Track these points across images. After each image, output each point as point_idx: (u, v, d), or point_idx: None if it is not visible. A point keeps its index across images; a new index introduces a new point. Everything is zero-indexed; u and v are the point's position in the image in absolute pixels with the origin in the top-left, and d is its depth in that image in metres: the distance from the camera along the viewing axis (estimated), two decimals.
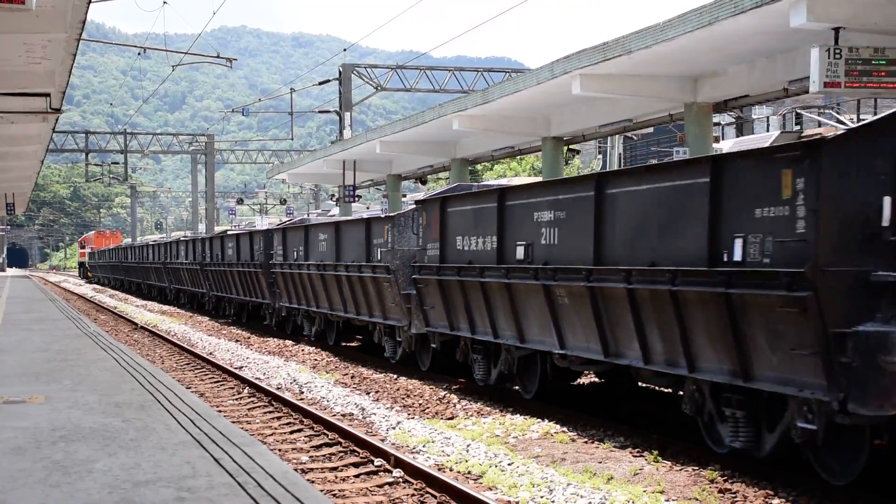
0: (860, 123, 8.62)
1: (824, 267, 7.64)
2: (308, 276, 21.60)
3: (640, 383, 12.99)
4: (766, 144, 16.58)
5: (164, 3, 32.56)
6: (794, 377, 8.07)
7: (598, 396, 14.02)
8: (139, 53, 36.55)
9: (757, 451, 9.04)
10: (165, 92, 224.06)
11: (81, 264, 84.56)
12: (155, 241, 54.18)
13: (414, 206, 16.46)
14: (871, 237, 7.69)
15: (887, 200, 7.67)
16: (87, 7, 13.23)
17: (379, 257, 17.41)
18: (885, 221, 7.68)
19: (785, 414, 8.51)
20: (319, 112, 53.93)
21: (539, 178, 17.82)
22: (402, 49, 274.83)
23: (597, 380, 14.65)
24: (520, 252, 12.36)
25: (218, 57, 33.59)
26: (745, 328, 8.53)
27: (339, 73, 43.80)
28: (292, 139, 56.19)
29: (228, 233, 32.82)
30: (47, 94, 19.14)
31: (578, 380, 15.01)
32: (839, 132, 8.13)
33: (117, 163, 66.07)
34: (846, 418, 7.65)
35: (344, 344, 22.01)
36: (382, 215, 18.71)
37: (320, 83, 47.55)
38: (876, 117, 8.22)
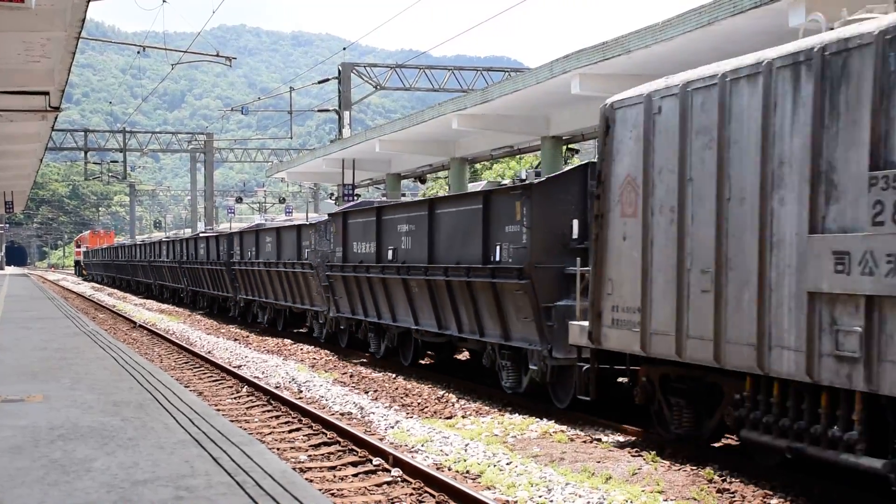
0: (556, 173, 13.08)
1: (536, 264, 12.39)
2: (258, 273, 26.44)
3: (460, 349, 17.90)
4: None
5: (164, 1, 32.52)
6: (527, 336, 12.77)
7: (472, 368, 17.53)
8: (138, 52, 36.53)
9: (518, 388, 13.47)
10: (165, 90, 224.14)
11: (77, 262, 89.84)
12: (142, 240, 60.18)
13: (328, 217, 21.19)
14: (565, 245, 12.32)
15: (575, 222, 12.34)
16: (87, 5, 13.23)
17: (306, 256, 22.14)
18: (574, 235, 12.30)
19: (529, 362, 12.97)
20: (319, 111, 53.94)
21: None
22: (402, 48, 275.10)
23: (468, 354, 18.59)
24: (390, 254, 16.97)
25: (217, 55, 33.57)
26: (505, 306, 13.16)
27: (339, 71, 43.81)
28: (291, 138, 56.18)
29: (200, 235, 37.65)
30: (46, 93, 19.13)
31: (469, 356, 18.63)
32: (544, 179, 12.71)
33: (116, 161, 66.11)
34: (553, 361, 12.20)
35: (294, 331, 25.65)
36: (311, 223, 22.75)
37: (319, 82, 47.56)
38: (564, 170, 13.67)
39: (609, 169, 10.53)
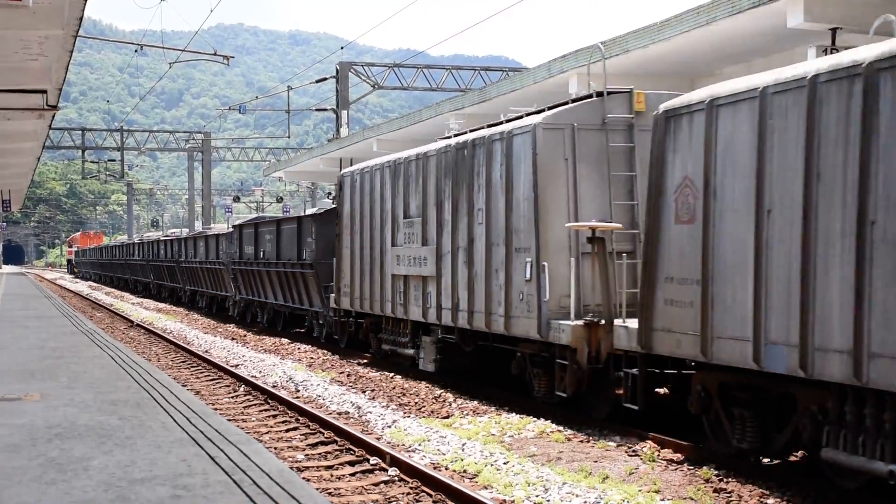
0: (329, 208, 22.82)
1: (318, 261, 21.58)
2: (195, 269, 36.96)
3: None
4: None
5: (162, 0, 32.49)
6: (316, 307, 22.24)
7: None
8: (136, 51, 36.51)
9: (342, 343, 20.88)
10: (162, 89, 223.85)
11: (69, 261, 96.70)
12: (127, 240, 68.31)
13: (231, 228, 30.74)
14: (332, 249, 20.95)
15: (310, 241, 22.58)
16: (84, 4, 13.20)
17: (220, 257, 32.84)
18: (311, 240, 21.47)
19: (322, 321, 22.64)
20: (316, 110, 53.93)
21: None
22: (400, 47, 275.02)
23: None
24: (262, 254, 26.43)
25: (215, 54, 33.54)
26: (309, 285, 22.16)
27: (336, 71, 43.78)
28: (289, 137, 56.12)
29: (159, 239, 46.23)
30: (44, 91, 19.10)
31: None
32: (322, 212, 22.85)
33: (114, 160, 66.01)
34: (329, 318, 21.29)
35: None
36: (222, 232, 33.01)
37: (317, 81, 47.55)
38: (332, 206, 22.60)
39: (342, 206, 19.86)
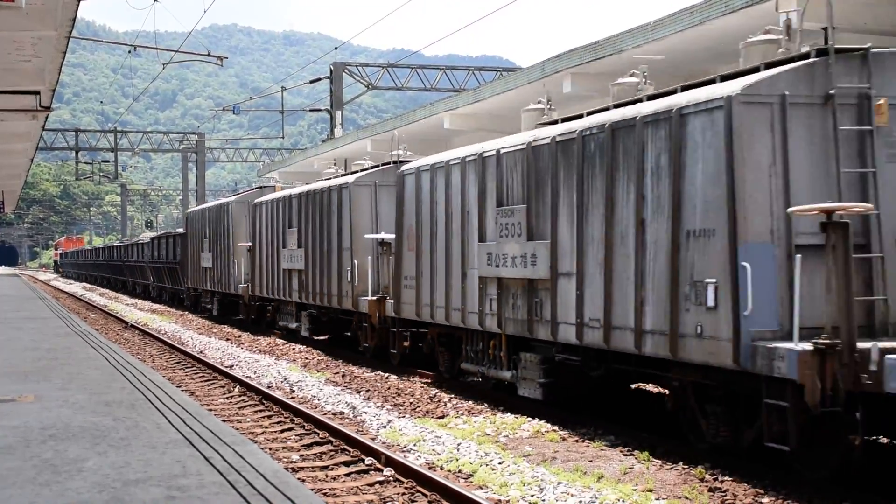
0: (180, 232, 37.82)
1: (181, 261, 37.87)
2: (137, 267, 50.84)
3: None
4: None
5: (155, 1, 32.44)
6: (183, 287, 38.49)
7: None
8: (129, 51, 36.45)
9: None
10: (156, 90, 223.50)
11: (56, 262, 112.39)
12: (102, 245, 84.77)
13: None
14: (190, 254, 35.83)
15: (178, 250, 39.37)
16: (77, 5, 13.19)
17: (145, 259, 48.66)
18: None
19: (184, 296, 38.75)
20: (310, 110, 53.87)
21: None
22: (394, 47, 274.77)
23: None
24: (161, 257, 41.26)
25: (209, 55, 33.51)
26: (178, 276, 37.84)
27: (331, 71, 43.75)
28: (283, 137, 56.10)
29: (114, 245, 61.86)
30: (37, 92, 19.07)
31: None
32: (185, 232, 37.81)
33: (107, 161, 65.88)
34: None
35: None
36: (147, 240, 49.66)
37: (311, 81, 47.49)
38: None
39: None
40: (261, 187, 30.81)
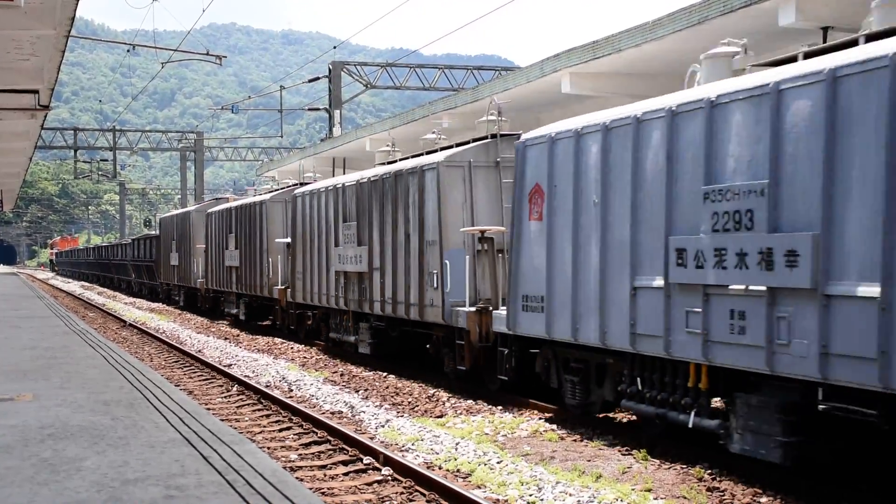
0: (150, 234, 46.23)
1: (157, 259, 44.54)
2: (115, 264, 56.79)
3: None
4: None
5: (154, 0, 32.43)
6: (157, 282, 45.57)
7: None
8: (128, 50, 36.45)
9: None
10: (154, 89, 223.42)
11: (51, 261, 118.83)
12: (113, 242, 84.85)
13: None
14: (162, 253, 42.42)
15: (154, 250, 45.03)
16: (76, 4, 13.18)
17: (128, 257, 54.97)
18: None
19: (160, 289, 45.41)
20: (309, 110, 53.84)
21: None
22: (392, 47, 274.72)
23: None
24: (141, 255, 46.05)
25: (207, 54, 33.50)
26: (155, 272, 44.53)
27: (329, 70, 43.74)
28: (282, 136, 56.09)
29: (96, 246, 68.20)
30: (36, 91, 19.05)
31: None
32: (158, 234, 43.58)
33: (106, 160, 65.84)
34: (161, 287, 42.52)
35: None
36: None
37: (310, 81, 47.49)
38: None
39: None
40: (216, 199, 37.19)
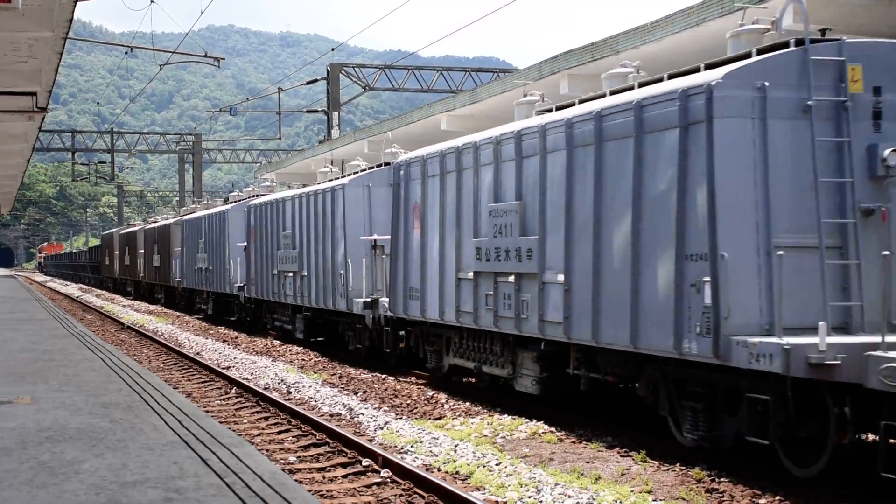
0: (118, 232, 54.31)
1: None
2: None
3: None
4: None
5: (152, 2, 32.42)
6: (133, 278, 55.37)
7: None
8: (126, 52, 36.42)
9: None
10: (152, 91, 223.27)
11: (39, 263, 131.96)
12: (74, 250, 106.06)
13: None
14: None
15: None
16: (74, 6, 13.17)
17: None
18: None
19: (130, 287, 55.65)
20: (307, 112, 53.86)
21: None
22: (390, 48, 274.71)
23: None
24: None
25: (205, 56, 33.49)
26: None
27: (327, 72, 43.75)
28: (280, 139, 56.05)
29: (81, 250, 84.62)
30: (33, 93, 19.04)
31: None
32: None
33: (104, 162, 65.82)
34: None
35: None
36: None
37: (308, 83, 47.49)
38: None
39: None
40: (144, 220, 49.43)
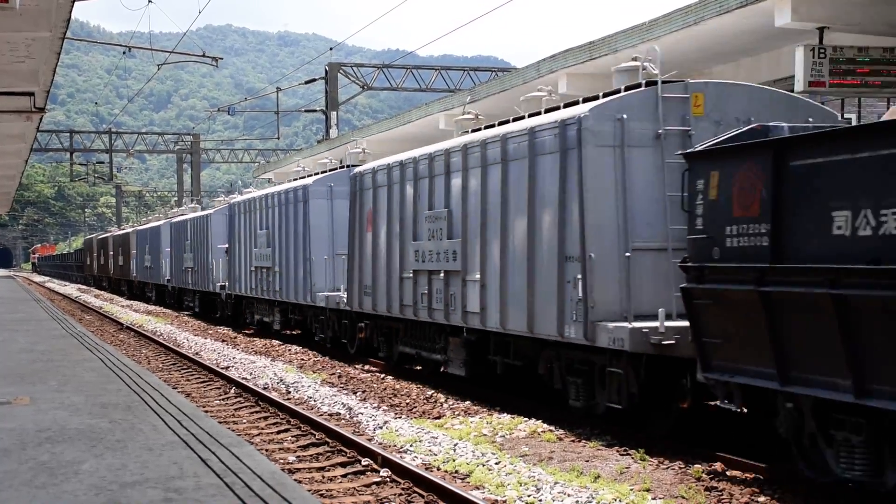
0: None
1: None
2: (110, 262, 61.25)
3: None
4: None
5: (149, 1, 32.40)
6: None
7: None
8: (124, 52, 36.43)
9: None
10: (150, 91, 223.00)
11: (34, 264, 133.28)
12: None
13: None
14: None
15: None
16: (72, 6, 13.15)
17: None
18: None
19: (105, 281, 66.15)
20: (306, 111, 53.87)
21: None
22: (389, 48, 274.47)
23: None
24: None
25: (203, 56, 33.48)
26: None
27: (326, 72, 43.74)
28: (278, 138, 56.02)
29: (68, 252, 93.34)
30: (31, 93, 19.01)
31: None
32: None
33: (102, 162, 65.81)
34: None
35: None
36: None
37: (306, 82, 47.50)
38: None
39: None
40: (117, 227, 58.09)
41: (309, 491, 8.33)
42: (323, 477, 9.32)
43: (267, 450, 10.55)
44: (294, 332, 24.41)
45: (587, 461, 9.81)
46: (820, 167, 7.46)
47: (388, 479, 9.08)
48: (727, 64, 20.31)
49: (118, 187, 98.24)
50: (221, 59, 33.87)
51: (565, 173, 11.24)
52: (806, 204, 7.56)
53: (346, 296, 18.60)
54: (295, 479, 8.49)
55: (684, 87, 11.24)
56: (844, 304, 7.13)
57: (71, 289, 66.20)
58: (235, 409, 13.63)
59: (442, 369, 15.54)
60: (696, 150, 9.13)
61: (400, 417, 12.52)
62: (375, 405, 13.63)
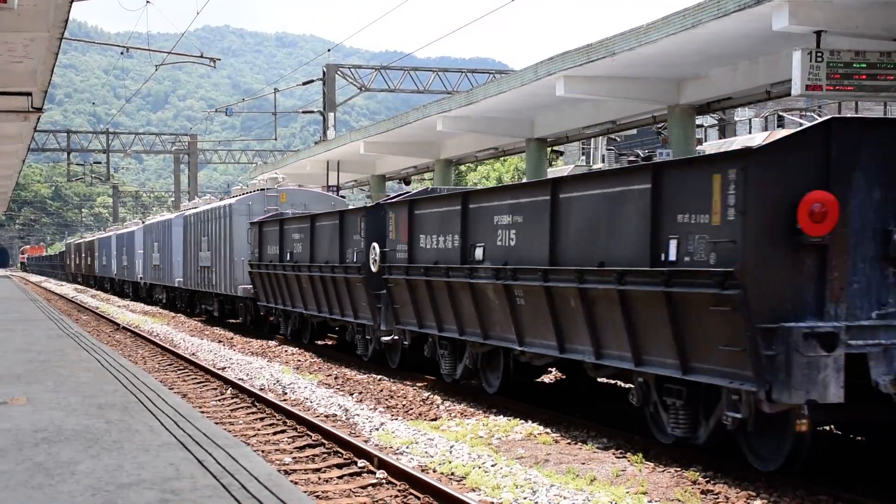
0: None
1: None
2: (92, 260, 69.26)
3: None
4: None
5: (147, 2, 32.42)
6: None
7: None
8: (122, 53, 36.47)
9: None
10: (148, 91, 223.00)
11: (23, 263, 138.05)
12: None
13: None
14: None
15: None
16: (70, 6, 13.17)
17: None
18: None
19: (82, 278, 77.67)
20: (303, 112, 53.88)
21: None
22: (386, 49, 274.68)
23: None
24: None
25: (201, 56, 33.51)
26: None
27: (323, 73, 43.76)
28: (276, 139, 56.04)
29: (59, 253, 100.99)
30: (29, 93, 19.04)
31: None
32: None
33: (99, 162, 65.79)
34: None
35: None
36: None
37: (304, 83, 47.52)
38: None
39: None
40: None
41: (305, 492, 8.33)
42: (319, 478, 9.32)
43: (263, 451, 10.55)
44: (236, 321, 29.06)
45: (583, 464, 9.82)
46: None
47: (384, 481, 9.08)
48: (725, 67, 20.33)
49: (115, 187, 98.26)
50: (219, 59, 33.90)
51: (229, 225, 24.94)
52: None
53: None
54: (291, 480, 8.49)
55: (276, 191, 25.83)
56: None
57: (67, 289, 66.15)
58: (232, 411, 13.63)
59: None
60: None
61: (396, 419, 12.52)
62: (372, 407, 13.63)
